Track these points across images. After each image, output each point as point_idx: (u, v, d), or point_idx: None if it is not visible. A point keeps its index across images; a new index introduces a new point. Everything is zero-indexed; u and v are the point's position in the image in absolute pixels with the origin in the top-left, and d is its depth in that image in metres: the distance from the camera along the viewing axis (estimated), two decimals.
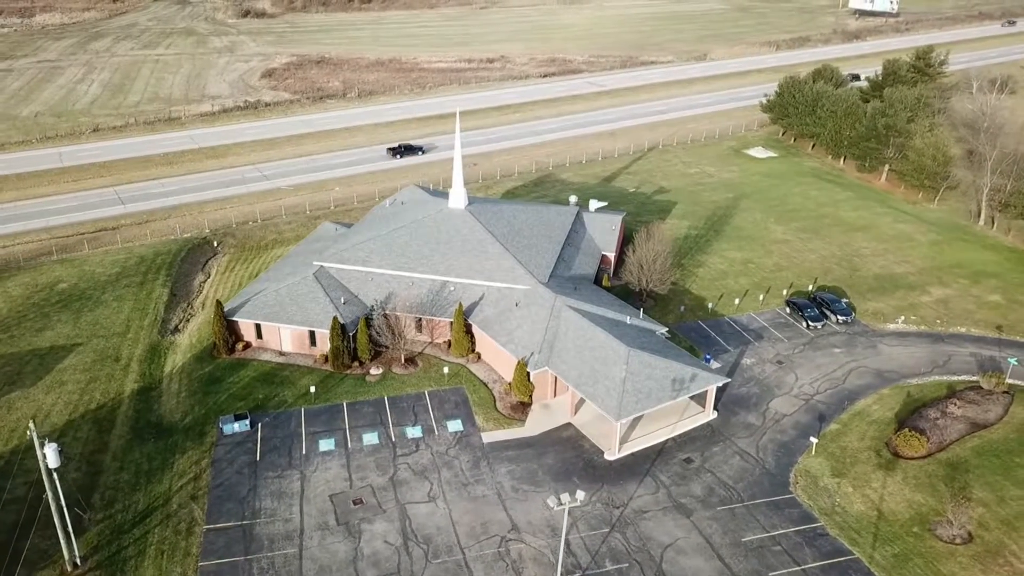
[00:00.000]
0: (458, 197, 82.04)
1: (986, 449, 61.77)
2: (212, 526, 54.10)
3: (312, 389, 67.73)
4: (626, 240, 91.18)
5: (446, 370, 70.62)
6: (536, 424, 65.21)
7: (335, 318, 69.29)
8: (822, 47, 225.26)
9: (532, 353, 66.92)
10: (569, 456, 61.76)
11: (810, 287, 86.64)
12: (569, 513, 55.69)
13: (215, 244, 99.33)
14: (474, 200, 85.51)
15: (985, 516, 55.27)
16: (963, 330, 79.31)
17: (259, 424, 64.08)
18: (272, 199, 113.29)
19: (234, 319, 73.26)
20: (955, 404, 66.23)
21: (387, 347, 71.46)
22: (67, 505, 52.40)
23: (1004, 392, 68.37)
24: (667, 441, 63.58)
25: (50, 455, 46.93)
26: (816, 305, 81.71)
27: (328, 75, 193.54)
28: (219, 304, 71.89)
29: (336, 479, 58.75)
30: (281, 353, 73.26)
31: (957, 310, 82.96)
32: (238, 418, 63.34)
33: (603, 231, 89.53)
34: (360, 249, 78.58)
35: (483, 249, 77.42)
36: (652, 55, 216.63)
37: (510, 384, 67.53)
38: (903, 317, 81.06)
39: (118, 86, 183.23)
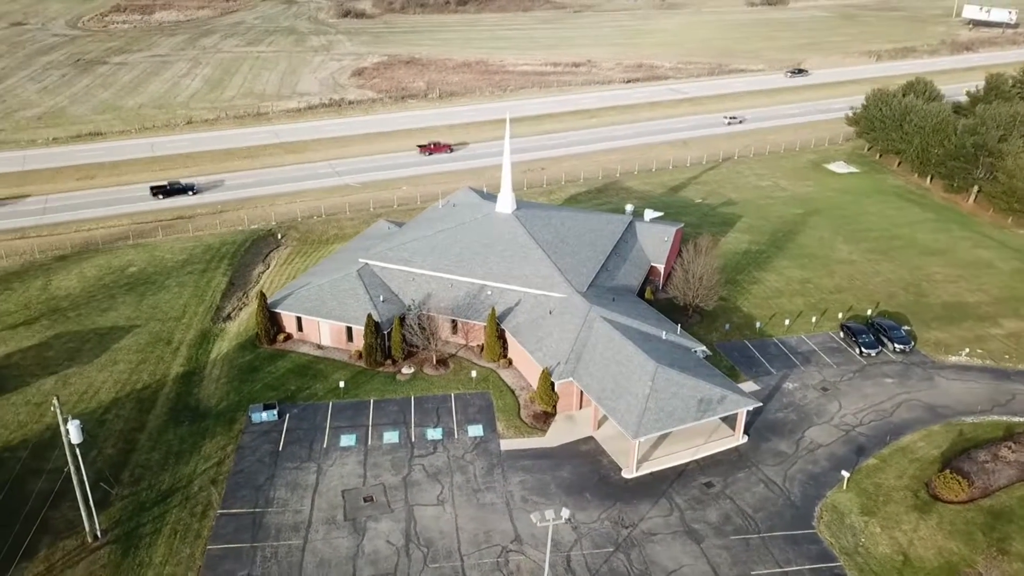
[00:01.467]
0: (506, 202, 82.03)
1: None
2: (226, 511, 55.95)
3: (342, 384, 69.15)
4: (682, 252, 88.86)
5: (474, 374, 70.73)
6: (557, 435, 64.44)
7: (369, 315, 70.45)
8: (927, 59, 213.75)
9: (559, 362, 66.19)
10: (585, 470, 60.74)
11: (870, 312, 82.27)
12: (575, 528, 54.98)
13: (279, 236, 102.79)
14: (523, 205, 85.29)
15: (1021, 572, 51.07)
16: None
17: (287, 415, 65.89)
18: (340, 195, 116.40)
19: (277, 311, 75.59)
20: (1009, 448, 61.41)
21: (420, 347, 72.21)
22: (96, 480, 55.41)
23: None
24: (690, 463, 61.69)
25: (73, 431, 49.57)
26: (872, 331, 77.46)
27: (415, 75, 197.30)
28: (262, 296, 74.32)
29: (351, 475, 59.73)
30: (319, 346, 75.12)
31: None
32: (267, 407, 65.29)
33: (655, 242, 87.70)
34: (404, 249, 79.64)
35: (524, 255, 77.10)
36: (743, 63, 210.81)
37: (536, 392, 67.05)
38: (968, 349, 75.88)
39: (217, 81, 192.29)
